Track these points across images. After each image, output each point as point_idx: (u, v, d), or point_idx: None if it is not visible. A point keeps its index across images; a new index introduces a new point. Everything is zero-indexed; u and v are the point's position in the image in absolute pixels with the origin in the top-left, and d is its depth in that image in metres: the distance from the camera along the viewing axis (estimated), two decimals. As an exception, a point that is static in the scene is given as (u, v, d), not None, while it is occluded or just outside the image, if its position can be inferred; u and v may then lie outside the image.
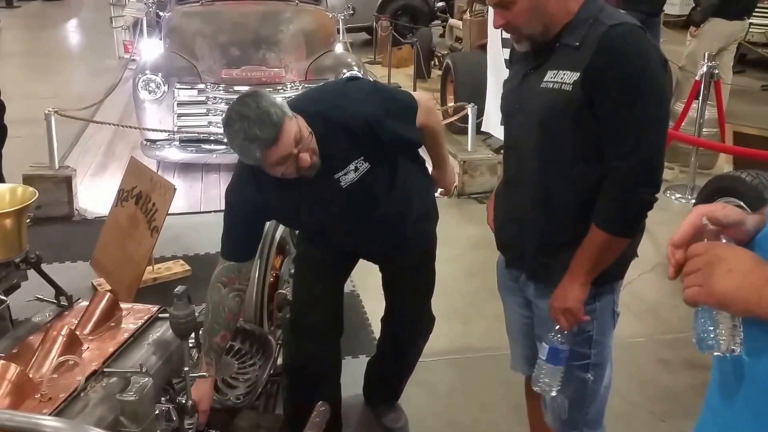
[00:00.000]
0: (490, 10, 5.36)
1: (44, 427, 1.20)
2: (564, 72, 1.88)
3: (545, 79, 1.93)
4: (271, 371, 2.66)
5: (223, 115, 2.10)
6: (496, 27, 2.02)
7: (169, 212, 3.79)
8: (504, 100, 2.17)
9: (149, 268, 4.12)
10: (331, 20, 6.98)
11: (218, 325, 2.29)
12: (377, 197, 2.42)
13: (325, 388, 2.61)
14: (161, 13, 7.42)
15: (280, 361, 2.80)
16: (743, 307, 1.06)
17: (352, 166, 2.29)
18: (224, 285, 2.33)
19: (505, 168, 2.20)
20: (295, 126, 2.09)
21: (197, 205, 5.52)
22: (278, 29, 6.14)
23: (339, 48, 6.70)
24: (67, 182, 5.24)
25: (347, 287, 3.59)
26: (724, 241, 1.13)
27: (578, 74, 1.84)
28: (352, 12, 7.91)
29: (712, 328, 1.11)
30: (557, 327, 2.00)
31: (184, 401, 1.93)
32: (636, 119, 1.82)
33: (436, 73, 9.11)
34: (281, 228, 3.10)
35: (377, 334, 3.25)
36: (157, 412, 1.81)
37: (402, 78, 9.60)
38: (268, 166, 2.11)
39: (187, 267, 4.36)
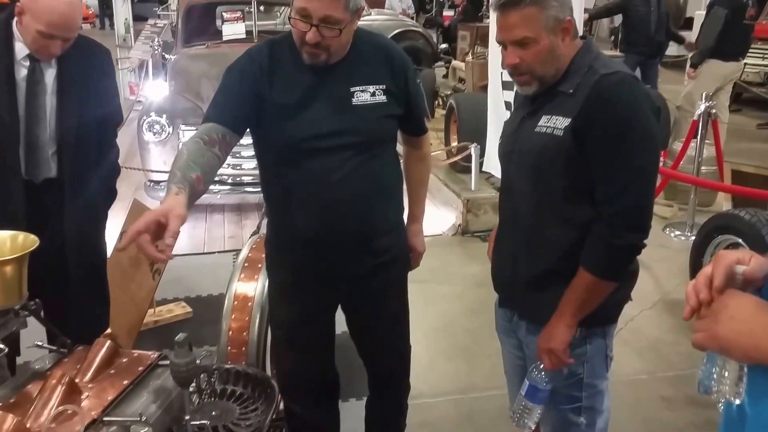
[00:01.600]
0: (491, 52, 5.49)
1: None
2: (557, 117, 1.93)
3: (539, 124, 1.97)
4: (274, 416, 2.64)
5: None
6: (507, 65, 2.00)
7: (174, 253, 3.80)
8: (501, 143, 2.21)
9: (150, 310, 4.12)
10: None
11: (195, 164, 1.95)
12: (374, 144, 2.29)
13: None
14: (167, 55, 7.53)
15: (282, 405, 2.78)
16: (743, 353, 1.09)
17: (371, 88, 2.24)
18: (205, 142, 2.05)
19: (500, 209, 2.23)
20: (340, 14, 2.06)
21: (200, 246, 5.54)
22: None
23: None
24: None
25: (342, 326, 3.60)
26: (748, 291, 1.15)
27: (569, 120, 1.89)
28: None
29: (715, 373, 1.14)
30: (540, 365, 2.03)
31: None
32: (624, 166, 1.85)
33: (440, 112, 9.16)
34: None
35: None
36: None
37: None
38: (296, 7, 2.07)
39: (189, 309, 4.35)
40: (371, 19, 12.32)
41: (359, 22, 2.23)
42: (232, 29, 6.57)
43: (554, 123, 1.93)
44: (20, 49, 2.66)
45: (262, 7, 8.13)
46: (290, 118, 2.20)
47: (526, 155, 2.03)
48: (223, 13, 7.02)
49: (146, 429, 1.56)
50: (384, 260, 2.42)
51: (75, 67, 2.75)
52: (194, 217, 6.03)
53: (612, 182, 1.87)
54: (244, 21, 6.68)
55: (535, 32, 1.90)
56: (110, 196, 3.10)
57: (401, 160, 2.59)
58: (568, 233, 1.98)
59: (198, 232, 5.82)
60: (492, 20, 5.56)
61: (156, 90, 7.63)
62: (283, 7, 9.19)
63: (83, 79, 2.77)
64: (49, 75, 2.72)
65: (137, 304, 3.80)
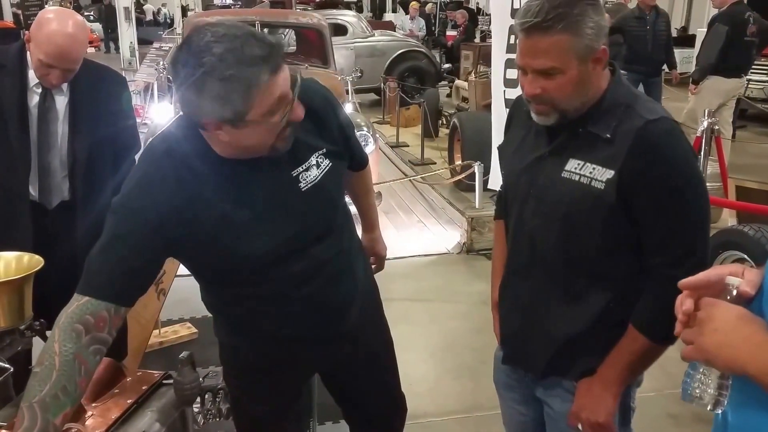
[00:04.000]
0: (494, 70, 5.20)
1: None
2: (593, 166, 1.70)
3: (567, 168, 1.74)
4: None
5: (175, 52, 1.52)
6: (528, 95, 1.73)
7: (179, 274, 3.81)
8: (511, 180, 1.93)
9: (155, 331, 4.12)
10: (340, 82, 7.12)
11: (66, 397, 1.52)
12: (336, 215, 1.90)
13: None
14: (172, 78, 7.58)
15: None
16: (724, 364, 1.11)
17: (313, 160, 1.77)
18: (86, 330, 1.56)
19: (513, 255, 1.95)
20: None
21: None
22: (286, 92, 6.25)
23: (348, 108, 6.81)
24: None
25: None
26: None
27: (613, 173, 1.66)
28: (360, 74, 8.07)
29: (699, 382, 1.17)
30: None
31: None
32: (689, 225, 1.69)
33: (444, 131, 9.22)
34: None
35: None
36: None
37: (410, 137, 9.73)
38: (260, 111, 1.53)
39: (194, 330, 4.35)
40: (375, 39, 12.45)
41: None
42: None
43: (590, 172, 1.70)
44: (33, 77, 2.69)
45: (266, 30, 8.20)
46: (243, 249, 1.70)
47: (551, 204, 1.79)
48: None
49: (150, 448, 1.56)
50: (363, 317, 2.07)
51: (86, 94, 2.78)
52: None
53: (676, 243, 1.68)
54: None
55: (563, 62, 1.64)
56: None
57: None
58: (604, 289, 1.78)
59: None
60: (494, 39, 5.60)
61: (161, 112, 7.68)
62: (288, 30, 9.29)
63: (94, 104, 2.79)
64: (61, 102, 2.75)
65: (142, 325, 3.80)
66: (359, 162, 2.14)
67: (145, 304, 3.85)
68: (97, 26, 25.01)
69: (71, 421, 1.63)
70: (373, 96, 12.77)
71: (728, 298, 1.15)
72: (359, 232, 2.28)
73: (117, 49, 15.61)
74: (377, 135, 7.95)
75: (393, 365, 2.34)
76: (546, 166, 1.79)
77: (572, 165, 1.73)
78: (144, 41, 13.03)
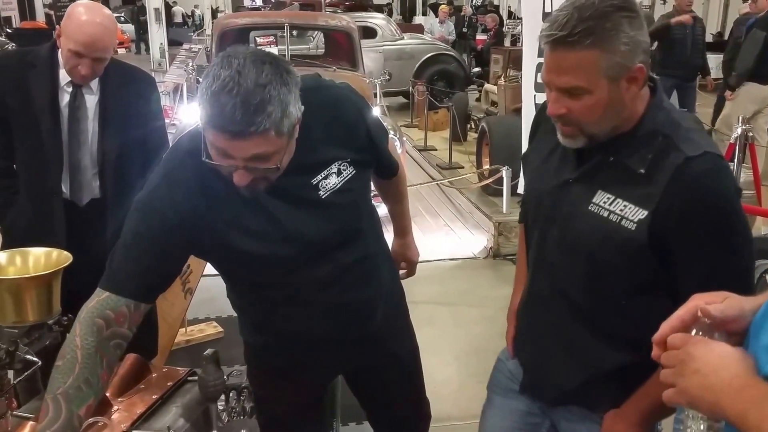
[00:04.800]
0: (525, 74, 4.99)
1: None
2: (625, 203, 1.54)
3: (594, 201, 1.59)
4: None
5: (219, 57, 1.51)
6: (551, 114, 1.57)
7: (206, 274, 3.83)
8: (533, 199, 1.79)
9: (182, 330, 4.15)
10: (368, 85, 7.13)
11: (89, 389, 1.53)
12: (360, 220, 1.87)
13: None
14: (201, 79, 7.65)
15: None
16: (707, 408, 1.04)
17: (334, 168, 1.75)
18: (107, 325, 1.58)
19: (534, 280, 1.81)
20: (274, 146, 1.53)
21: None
22: (314, 94, 6.28)
23: (376, 111, 6.81)
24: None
25: None
26: (716, 336, 1.09)
27: (646, 213, 1.51)
28: (388, 77, 8.07)
29: (689, 428, 1.08)
30: None
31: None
32: (732, 268, 1.52)
33: (472, 136, 9.18)
34: None
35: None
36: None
37: (438, 141, 9.72)
38: (210, 143, 1.53)
39: (220, 329, 4.38)
40: (404, 42, 12.46)
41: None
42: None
43: (621, 210, 1.55)
44: (63, 76, 2.74)
45: (294, 32, 8.24)
46: (262, 252, 1.70)
47: (575, 238, 1.64)
48: (256, 38, 7.13)
49: (174, 442, 1.56)
50: (385, 315, 2.05)
51: (116, 93, 2.82)
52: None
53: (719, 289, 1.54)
54: (276, 45, 6.77)
55: (590, 82, 1.47)
56: None
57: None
58: (628, 325, 1.63)
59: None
60: (525, 42, 5.58)
61: (190, 113, 7.75)
62: (315, 32, 9.33)
63: (124, 104, 2.83)
64: (91, 101, 2.79)
65: (169, 324, 3.83)
66: (389, 170, 2.10)
67: (172, 303, 3.88)
68: (129, 27, 25.36)
69: (97, 415, 1.64)
70: (401, 99, 12.77)
71: (703, 328, 1.09)
72: (390, 236, 2.28)
73: (147, 50, 15.76)
74: (404, 138, 7.98)
75: (418, 371, 2.31)
76: (571, 194, 1.63)
77: (601, 198, 1.58)
78: (174, 42, 13.17)
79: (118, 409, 1.79)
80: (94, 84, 2.78)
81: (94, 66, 2.66)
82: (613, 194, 1.55)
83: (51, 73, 2.73)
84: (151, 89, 3.06)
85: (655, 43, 8.23)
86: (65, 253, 1.85)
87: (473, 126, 9.83)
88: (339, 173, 1.75)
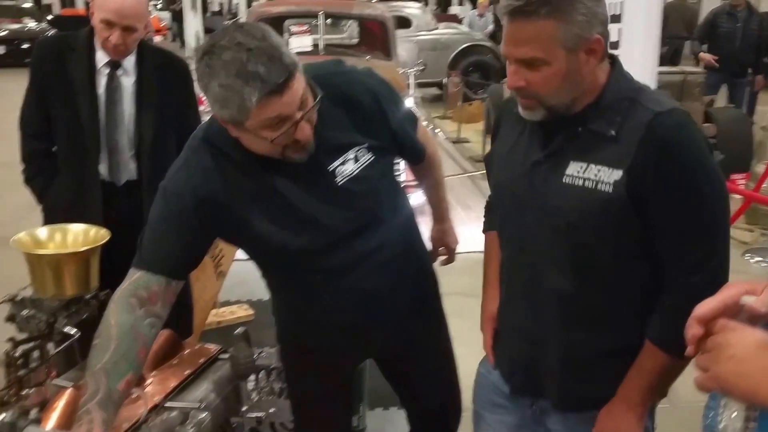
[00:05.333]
0: None
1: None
2: (599, 167, 1.52)
3: (568, 173, 1.56)
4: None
5: (202, 43, 1.54)
6: (510, 87, 1.55)
7: (238, 258, 3.90)
8: (504, 190, 1.74)
9: (214, 311, 4.22)
10: (402, 75, 7.13)
11: (126, 363, 1.57)
12: (380, 207, 1.86)
13: None
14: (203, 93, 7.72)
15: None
16: (742, 396, 1.02)
17: (351, 154, 1.75)
18: (140, 303, 1.62)
19: (508, 278, 1.78)
20: (303, 84, 1.57)
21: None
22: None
23: (409, 102, 6.82)
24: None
25: None
26: (758, 326, 1.06)
27: (621, 173, 1.50)
28: (422, 67, 8.04)
29: (721, 415, 1.06)
30: None
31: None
32: (704, 225, 1.51)
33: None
34: None
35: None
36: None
37: (472, 133, 9.68)
38: (256, 124, 1.55)
39: (251, 311, 4.44)
40: (439, 33, 12.42)
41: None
42: (299, 42, 6.71)
43: (596, 174, 1.53)
44: (101, 59, 2.80)
45: (329, 21, 8.26)
46: (279, 237, 1.74)
47: (554, 213, 1.59)
48: (291, 27, 7.18)
49: (205, 415, 1.61)
50: (415, 303, 2.07)
51: (152, 76, 2.87)
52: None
53: (693, 246, 1.52)
54: (310, 34, 6.81)
55: (548, 53, 1.47)
56: None
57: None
58: (615, 303, 1.62)
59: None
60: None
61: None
62: (350, 21, 9.35)
63: (160, 87, 2.88)
64: (128, 82, 2.85)
65: (201, 305, 3.91)
66: (415, 155, 2.08)
67: (205, 285, 3.95)
68: (166, 15, 25.54)
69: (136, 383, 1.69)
70: (435, 90, 12.74)
71: (745, 318, 1.06)
72: (428, 223, 2.29)
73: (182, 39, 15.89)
74: (437, 130, 7.99)
75: (447, 361, 2.29)
76: (543, 173, 1.60)
77: (574, 168, 1.55)
78: (210, 31, 13.25)
79: (151, 382, 1.84)
80: (131, 66, 2.83)
81: (125, 37, 2.68)
82: (586, 161, 1.53)
83: (89, 55, 2.80)
84: (186, 75, 3.08)
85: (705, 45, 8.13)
86: (103, 230, 1.91)
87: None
88: (356, 160, 1.74)
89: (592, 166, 1.52)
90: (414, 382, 2.28)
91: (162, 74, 2.91)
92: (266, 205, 1.70)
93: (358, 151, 1.75)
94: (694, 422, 2.54)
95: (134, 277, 1.65)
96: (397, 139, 1.87)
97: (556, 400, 1.70)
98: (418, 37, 11.76)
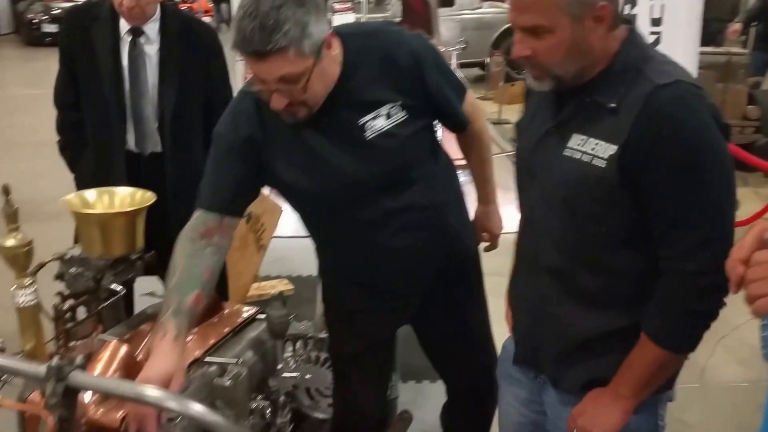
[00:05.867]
0: None
1: (147, 396, 1.34)
2: (596, 141, 1.47)
3: (569, 145, 1.51)
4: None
5: None
6: (516, 56, 1.51)
7: (278, 235, 3.98)
8: (519, 160, 1.72)
9: (255, 285, 4.32)
10: (444, 53, 7.12)
11: (192, 281, 1.74)
12: (410, 168, 1.91)
13: None
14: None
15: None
16: None
17: (384, 110, 1.80)
18: (200, 236, 1.80)
19: (520, 249, 1.76)
20: (298, 66, 1.64)
21: (304, 230, 5.73)
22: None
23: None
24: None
25: None
26: None
27: (615, 148, 1.43)
28: (464, 46, 8.01)
29: None
30: None
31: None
32: (701, 209, 1.43)
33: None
34: None
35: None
36: (253, 406, 1.96)
37: (513, 114, 9.51)
38: (250, 72, 1.72)
39: (291, 286, 4.53)
40: (483, 12, 12.29)
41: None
42: (342, 19, 6.76)
43: (593, 149, 1.47)
44: (124, 26, 2.77)
45: (373, -1, 8.29)
46: (305, 185, 1.87)
47: (553, 186, 1.57)
48: (334, 4, 7.22)
49: (242, 370, 1.68)
50: (452, 275, 2.14)
51: (175, 42, 2.81)
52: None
53: (689, 229, 1.44)
54: (354, 12, 6.85)
55: (551, 20, 1.41)
56: None
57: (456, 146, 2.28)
58: (608, 285, 1.56)
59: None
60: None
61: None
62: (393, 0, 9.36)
63: (183, 55, 2.82)
64: (151, 50, 2.80)
65: (244, 277, 4.01)
66: (455, 123, 2.09)
67: (248, 258, 4.06)
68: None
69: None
70: (477, 71, 12.65)
71: None
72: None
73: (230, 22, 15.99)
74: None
75: (483, 336, 2.33)
76: (550, 143, 1.56)
77: (575, 141, 1.50)
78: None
79: (192, 338, 1.92)
80: (154, 33, 2.79)
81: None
82: (586, 135, 1.48)
83: (113, 24, 2.76)
84: (213, 41, 2.99)
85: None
86: (149, 193, 1.98)
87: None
88: (388, 116, 1.81)
89: (591, 140, 1.47)
90: (445, 353, 2.33)
91: (185, 41, 2.82)
92: (296, 153, 1.83)
93: (391, 108, 1.81)
94: (724, 403, 2.53)
95: (194, 216, 1.84)
96: (435, 101, 1.91)
97: (552, 376, 1.69)
98: (462, 16, 11.66)
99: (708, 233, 1.42)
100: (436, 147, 2.08)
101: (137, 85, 2.80)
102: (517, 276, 1.76)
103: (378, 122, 1.80)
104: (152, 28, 2.79)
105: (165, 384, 1.56)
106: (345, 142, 1.81)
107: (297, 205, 2.02)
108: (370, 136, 1.80)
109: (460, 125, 2.09)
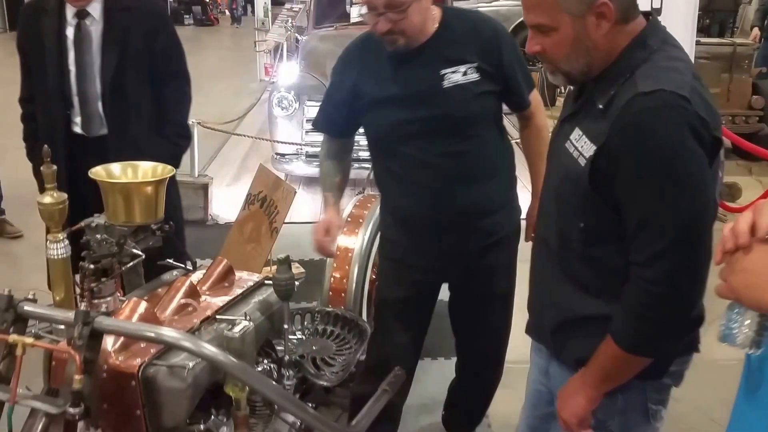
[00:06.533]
0: None
1: (164, 336, 1.52)
2: (586, 139, 1.51)
3: (570, 138, 1.57)
4: (364, 356, 2.92)
5: None
6: (529, 52, 1.58)
7: (293, 221, 4.14)
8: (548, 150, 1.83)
9: (266, 268, 4.49)
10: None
11: (336, 170, 2.53)
12: (469, 124, 2.27)
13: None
14: (300, 38, 7.97)
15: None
16: (752, 306, 1.07)
17: (462, 68, 2.22)
18: (332, 155, 2.54)
19: (537, 226, 1.90)
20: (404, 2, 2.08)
21: (317, 216, 5.89)
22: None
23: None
24: (204, 189, 5.73)
25: (444, 296, 3.84)
26: None
27: (595, 149, 1.48)
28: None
29: (735, 322, 1.10)
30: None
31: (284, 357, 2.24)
32: (665, 218, 1.43)
33: (561, 101, 9.14)
34: None
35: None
36: (259, 369, 2.14)
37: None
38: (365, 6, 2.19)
39: (302, 270, 4.68)
40: (498, 4, 12.36)
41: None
42: (359, 11, 6.89)
43: (582, 146, 1.52)
44: (70, 11, 2.85)
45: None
46: (383, 109, 2.32)
47: (552, 174, 1.69)
48: (353, -1, 7.37)
49: (249, 323, 1.86)
50: (491, 241, 2.43)
51: (118, 21, 2.84)
52: (313, 189, 6.35)
53: (652, 241, 1.44)
54: (371, 5, 6.98)
55: (552, 18, 1.48)
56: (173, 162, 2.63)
57: (516, 134, 2.60)
58: (592, 275, 1.62)
59: (316, 203, 6.16)
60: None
61: (288, 70, 8.09)
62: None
63: (124, 32, 2.84)
64: (95, 31, 2.84)
65: (256, 259, 4.17)
66: (517, 102, 2.43)
67: (260, 241, 4.22)
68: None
69: (192, 297, 1.97)
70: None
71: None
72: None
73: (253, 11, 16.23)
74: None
75: (505, 313, 2.63)
76: (561, 132, 1.64)
77: (575, 135, 1.56)
78: (277, 2, 13.53)
79: (205, 299, 2.10)
80: (98, 13, 2.83)
81: None
82: (582, 131, 1.53)
83: (59, 11, 2.85)
84: (161, 18, 3.01)
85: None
86: (168, 167, 2.15)
87: (562, 91, 9.77)
88: (465, 73, 2.22)
89: (584, 137, 1.52)
90: (464, 323, 2.65)
91: (129, 18, 2.85)
92: (388, 89, 2.27)
93: (468, 67, 2.22)
94: (714, 380, 2.64)
95: (323, 142, 2.57)
96: (505, 74, 2.28)
97: (552, 347, 1.78)
98: (478, 8, 11.75)
99: (667, 245, 1.43)
100: (500, 121, 2.42)
101: (82, 66, 2.86)
102: (532, 251, 1.86)
103: (455, 76, 2.21)
104: (95, 8, 2.84)
105: (327, 228, 2.39)
106: (426, 84, 2.23)
107: (370, 135, 2.46)
108: (446, 85, 2.22)
109: (522, 104, 2.43)
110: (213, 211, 5.83)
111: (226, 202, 5.98)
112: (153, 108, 2.97)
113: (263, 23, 11.82)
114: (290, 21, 9.84)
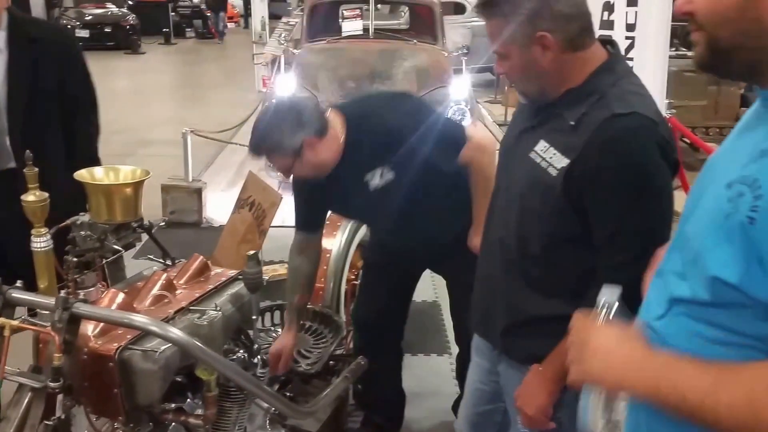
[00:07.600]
0: None
1: (134, 321, 1.69)
2: (554, 151, 1.61)
3: (535, 149, 1.67)
4: (343, 351, 3.09)
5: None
6: (498, 73, 1.82)
7: (282, 225, 4.31)
8: (500, 150, 1.92)
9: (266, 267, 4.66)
10: (447, 58, 7.42)
11: (296, 287, 2.64)
12: (404, 208, 2.47)
13: (383, 377, 3.02)
14: (295, 51, 8.17)
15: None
16: (611, 387, 1.09)
17: (378, 171, 2.40)
18: (298, 253, 2.66)
19: (485, 228, 1.94)
20: (287, 162, 2.30)
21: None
22: (393, 65, 6.69)
23: (454, 85, 7.09)
24: (198, 193, 5.94)
25: (430, 297, 4.13)
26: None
27: (568, 162, 1.58)
28: (466, 51, 8.28)
29: (591, 406, 1.13)
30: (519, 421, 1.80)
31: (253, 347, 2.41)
32: (636, 229, 1.56)
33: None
34: (362, 231, 3.49)
35: (451, 337, 3.65)
36: (233, 358, 2.31)
37: (518, 116, 9.87)
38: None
39: (289, 270, 4.86)
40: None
41: None
42: (351, 26, 7.09)
43: (550, 157, 1.62)
44: None
45: (379, 6, 8.59)
46: (345, 215, 3.00)
47: (515, 181, 1.74)
48: (344, 11, 7.57)
49: (217, 313, 2.03)
50: (451, 249, 2.62)
51: (24, 50, 2.66)
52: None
53: (623, 250, 1.57)
54: (362, 19, 7.18)
55: (503, 48, 1.61)
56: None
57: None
58: (555, 277, 1.70)
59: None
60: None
61: (284, 82, 8.26)
62: (406, 7, 9.67)
63: (33, 63, 2.66)
64: (2, 61, 2.64)
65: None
66: (447, 175, 2.48)
67: (250, 243, 4.38)
68: (239, 2, 26.19)
69: (167, 291, 2.13)
70: (489, 75, 12.94)
71: (605, 316, 1.14)
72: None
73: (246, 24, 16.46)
74: (484, 111, 8.19)
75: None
76: (522, 142, 1.73)
77: (540, 146, 1.65)
78: (274, 16, 13.74)
79: (181, 292, 2.27)
80: (2, 43, 2.64)
81: None
82: (549, 143, 1.63)
83: None
84: (70, 46, 2.87)
85: None
86: (145, 169, 2.33)
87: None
88: (381, 175, 2.39)
89: (552, 148, 1.62)
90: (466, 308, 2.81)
91: (37, 50, 2.67)
92: (338, 196, 2.50)
93: (382, 169, 2.39)
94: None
95: (295, 237, 2.68)
96: (423, 166, 2.37)
97: (501, 346, 1.86)
98: (473, 23, 11.92)
99: (640, 250, 1.50)
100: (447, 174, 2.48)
101: None
102: (481, 253, 1.95)
103: (375, 181, 2.41)
104: (0, 38, 2.65)
105: (277, 356, 2.49)
106: (360, 192, 2.43)
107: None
108: (372, 189, 2.42)
109: (448, 178, 2.48)
110: (207, 214, 6.03)
111: (220, 207, 6.15)
112: (62, 140, 2.81)
113: (260, 36, 12.02)
114: (284, 35, 10.03)
